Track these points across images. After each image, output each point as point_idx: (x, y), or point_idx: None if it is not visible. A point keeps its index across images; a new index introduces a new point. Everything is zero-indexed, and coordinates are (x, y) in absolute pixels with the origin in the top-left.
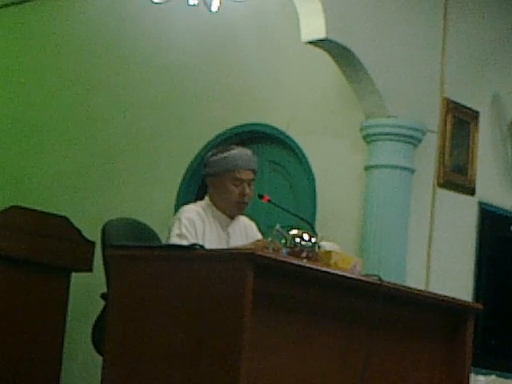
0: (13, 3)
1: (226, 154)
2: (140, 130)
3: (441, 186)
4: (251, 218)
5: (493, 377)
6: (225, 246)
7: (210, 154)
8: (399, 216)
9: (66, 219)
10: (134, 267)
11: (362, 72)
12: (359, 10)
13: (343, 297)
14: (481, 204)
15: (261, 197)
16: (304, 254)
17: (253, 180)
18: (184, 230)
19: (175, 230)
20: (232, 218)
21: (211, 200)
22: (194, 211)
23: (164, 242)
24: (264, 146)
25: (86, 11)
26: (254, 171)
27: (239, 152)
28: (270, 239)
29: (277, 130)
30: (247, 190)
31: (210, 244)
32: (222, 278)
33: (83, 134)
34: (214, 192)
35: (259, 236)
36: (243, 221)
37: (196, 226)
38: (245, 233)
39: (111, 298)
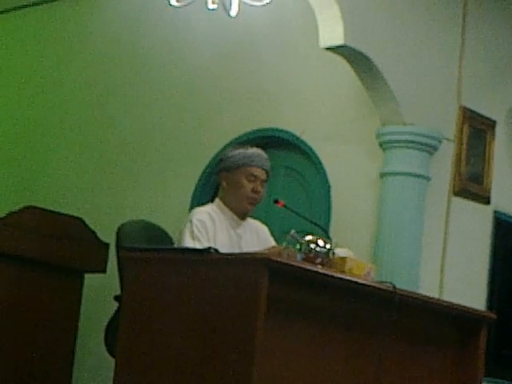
0: (30, 5)
1: (242, 151)
2: (156, 132)
3: (456, 194)
4: (265, 223)
5: None
6: (236, 248)
7: (225, 151)
8: (414, 223)
9: (81, 220)
10: (147, 270)
11: (379, 79)
12: (378, 17)
13: (357, 303)
14: (496, 213)
15: (276, 202)
16: (318, 260)
17: (265, 181)
18: (196, 232)
19: (187, 233)
20: (243, 217)
21: (222, 199)
22: (205, 213)
23: (176, 244)
24: (279, 151)
25: (103, 14)
26: (267, 172)
27: (255, 151)
28: (284, 244)
29: (292, 135)
30: (259, 188)
31: (221, 246)
32: (236, 282)
33: (99, 135)
34: (226, 187)
35: (271, 240)
36: (255, 224)
37: (207, 227)
38: (256, 236)
39: (124, 300)
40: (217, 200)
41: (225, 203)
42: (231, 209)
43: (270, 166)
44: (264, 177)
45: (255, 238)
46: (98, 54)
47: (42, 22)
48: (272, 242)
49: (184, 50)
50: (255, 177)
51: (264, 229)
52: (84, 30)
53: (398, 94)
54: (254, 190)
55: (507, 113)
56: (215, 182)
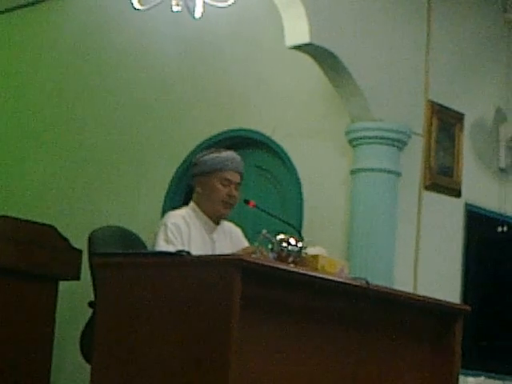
0: None
1: (216, 155)
2: (126, 137)
3: (427, 188)
4: (237, 224)
5: (482, 378)
6: (210, 251)
7: (199, 154)
8: (386, 219)
9: (54, 228)
10: (120, 275)
11: (346, 76)
12: (343, 15)
13: (331, 300)
14: (467, 205)
15: (247, 202)
16: (291, 259)
17: (239, 184)
18: (170, 236)
19: (161, 236)
20: (217, 222)
21: (197, 203)
22: (179, 216)
23: (150, 247)
24: (250, 151)
25: (69, 19)
26: (241, 175)
27: (229, 154)
28: (256, 244)
29: (262, 135)
30: (234, 192)
31: (195, 249)
32: (210, 283)
33: (69, 142)
34: (200, 192)
35: (244, 242)
36: (229, 226)
37: (182, 231)
38: (230, 239)
39: (99, 305)
40: (191, 204)
41: (199, 207)
42: (206, 213)
43: (243, 168)
44: (238, 180)
45: (229, 241)
46: (64, 60)
47: (8, 28)
48: (245, 244)
49: (151, 53)
50: (229, 181)
51: (237, 231)
52: (50, 34)
53: (366, 91)
54: (228, 194)
55: (495, 112)
56: (187, 186)
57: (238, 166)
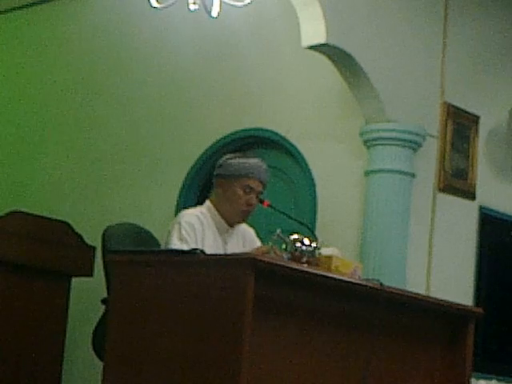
0: (13, 8)
1: (243, 160)
2: (141, 134)
3: (441, 190)
4: (251, 223)
5: (493, 382)
6: (221, 252)
7: (226, 156)
8: (400, 221)
9: (67, 224)
10: (134, 272)
11: (362, 77)
12: (359, 15)
13: (344, 301)
14: (481, 208)
15: (261, 201)
16: (304, 259)
17: (261, 193)
18: (184, 234)
19: (175, 234)
20: (231, 226)
21: (214, 203)
22: (193, 215)
23: (163, 245)
24: (264, 151)
25: (86, 17)
26: (264, 185)
27: (257, 162)
28: (270, 244)
29: (277, 135)
30: (253, 201)
31: (207, 249)
32: (223, 282)
33: (84, 138)
34: (220, 194)
35: (257, 242)
36: (242, 227)
37: (195, 230)
38: (242, 238)
39: (112, 303)
40: (208, 202)
41: (216, 208)
42: (221, 215)
43: (268, 178)
44: (260, 189)
45: (241, 242)
46: (80, 57)
47: (24, 25)
48: (258, 244)
49: (167, 52)
50: (252, 189)
51: (250, 231)
52: (66, 32)
53: (381, 92)
54: (247, 203)
55: (509, 113)
56: (202, 184)
57: (263, 176)
